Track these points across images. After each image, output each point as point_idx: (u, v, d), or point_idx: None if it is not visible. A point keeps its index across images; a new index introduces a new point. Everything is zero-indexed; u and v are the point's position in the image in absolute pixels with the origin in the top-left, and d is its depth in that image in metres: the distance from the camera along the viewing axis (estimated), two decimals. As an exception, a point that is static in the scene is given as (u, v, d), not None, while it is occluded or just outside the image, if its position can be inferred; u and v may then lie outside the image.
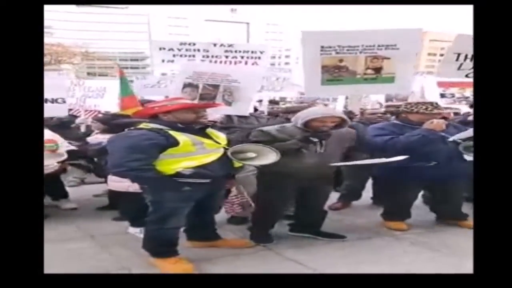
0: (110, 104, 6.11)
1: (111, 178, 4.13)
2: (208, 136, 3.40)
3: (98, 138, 4.00)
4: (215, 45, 6.01)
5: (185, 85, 5.16)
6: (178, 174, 3.19)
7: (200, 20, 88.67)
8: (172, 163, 3.20)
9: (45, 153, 4.52)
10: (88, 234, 4.28)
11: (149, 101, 7.03)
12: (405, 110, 4.33)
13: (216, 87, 5.23)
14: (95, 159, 3.85)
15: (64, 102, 4.66)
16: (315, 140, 3.69)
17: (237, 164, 3.49)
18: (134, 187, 3.71)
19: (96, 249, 3.93)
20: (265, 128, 3.84)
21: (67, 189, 5.42)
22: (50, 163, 4.75)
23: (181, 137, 3.21)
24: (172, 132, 3.21)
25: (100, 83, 6.96)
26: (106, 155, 3.52)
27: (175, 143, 3.17)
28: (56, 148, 4.78)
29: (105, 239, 4.12)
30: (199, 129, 3.37)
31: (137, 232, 4.11)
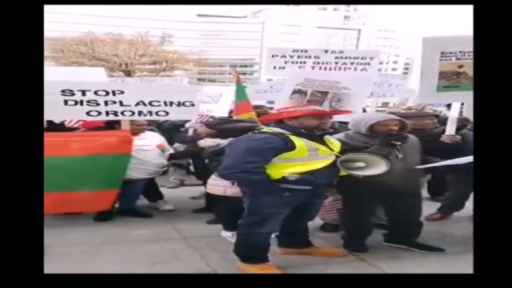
0: (223, 109, 6.22)
1: (210, 181, 4.19)
2: (324, 143, 3.40)
3: (207, 141, 4.11)
4: (326, 51, 5.95)
5: (294, 92, 5.17)
6: (284, 179, 3.22)
7: (312, 27, 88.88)
8: (282, 167, 3.24)
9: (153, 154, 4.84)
10: (182, 236, 4.40)
11: (257, 107, 7.19)
12: None
13: (324, 93, 5.21)
14: (206, 161, 3.96)
15: (192, 105, 4.79)
16: (398, 143, 3.66)
17: (342, 172, 3.44)
18: (231, 191, 3.77)
19: (188, 250, 4.01)
20: (335, 136, 3.79)
21: (167, 190, 5.65)
22: (159, 168, 5.01)
23: (299, 142, 3.24)
24: (292, 137, 3.25)
25: (218, 89, 7.11)
26: (218, 158, 3.62)
27: (292, 147, 3.21)
28: (164, 153, 5.04)
29: (197, 241, 4.20)
30: (318, 135, 3.38)
31: (229, 236, 4.16)
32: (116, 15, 67.16)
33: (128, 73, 40.94)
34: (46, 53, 57.41)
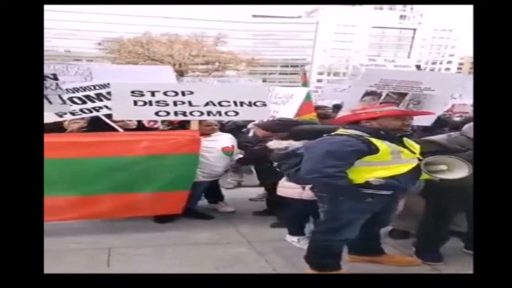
0: (290, 111, 5.92)
1: (283, 184, 4.04)
2: (404, 145, 3.21)
3: (277, 143, 3.88)
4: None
5: (366, 93, 4.83)
6: (367, 184, 3.07)
7: (367, 26, 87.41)
8: (366, 171, 3.08)
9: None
10: (246, 239, 4.27)
11: (319, 107, 6.88)
12: None
13: (402, 95, 4.85)
14: (274, 164, 3.73)
15: (264, 105, 4.68)
16: None
17: (424, 176, 3.23)
18: (307, 195, 3.66)
19: (253, 254, 3.91)
20: (433, 138, 3.66)
21: (224, 191, 5.52)
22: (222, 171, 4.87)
23: (381, 145, 3.07)
24: (373, 139, 3.08)
25: (289, 90, 6.89)
26: (288, 161, 3.49)
27: (375, 150, 3.05)
28: (231, 156, 4.89)
29: (261, 245, 4.08)
30: (398, 138, 3.20)
31: (295, 241, 4.07)
32: (173, 15, 68.78)
33: (181, 73, 41.79)
34: (102, 53, 60.41)
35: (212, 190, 5.19)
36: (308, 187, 3.64)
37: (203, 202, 5.23)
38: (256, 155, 4.81)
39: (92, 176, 4.19)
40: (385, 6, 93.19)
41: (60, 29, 67.23)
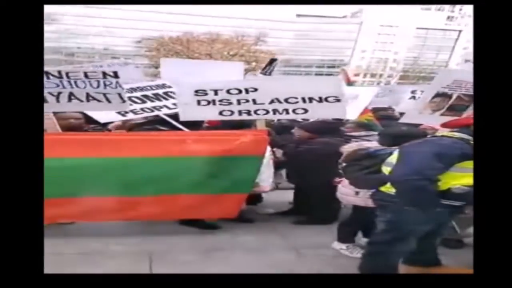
0: (355, 112, 5.64)
1: (344, 190, 3.92)
2: None
3: (363, 145, 3.77)
4: None
5: (437, 95, 4.68)
6: (449, 191, 2.92)
7: (412, 28, 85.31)
8: (455, 177, 2.92)
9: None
10: (291, 246, 4.20)
11: (381, 109, 6.76)
12: None
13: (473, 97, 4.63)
14: (342, 165, 3.69)
15: (338, 100, 4.26)
16: None
17: None
18: (369, 202, 3.51)
19: (302, 264, 3.82)
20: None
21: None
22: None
23: None
24: None
25: (354, 89, 6.65)
26: (361, 161, 3.41)
27: None
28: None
29: (307, 252, 4.03)
30: None
31: (343, 248, 4.01)
32: (215, 14, 69.12)
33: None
34: (141, 51, 61.30)
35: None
36: (365, 193, 3.56)
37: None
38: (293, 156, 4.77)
39: (148, 177, 4.11)
40: (433, 7, 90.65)
41: (98, 26, 68.42)
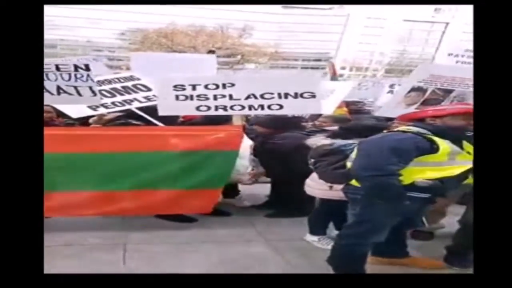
0: (330, 106, 5.69)
1: (311, 183, 3.97)
2: (462, 147, 3.07)
3: (318, 140, 3.83)
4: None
5: (412, 89, 4.72)
6: (412, 185, 2.95)
7: (399, 20, 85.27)
8: (416, 171, 2.96)
9: None
10: (264, 239, 4.25)
11: (352, 103, 6.84)
12: None
13: (447, 91, 4.69)
14: (311, 161, 3.69)
15: (313, 96, 4.27)
16: None
17: (470, 180, 3.06)
18: (336, 195, 3.59)
19: (273, 255, 3.89)
20: None
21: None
22: None
23: (442, 144, 2.96)
24: (435, 138, 2.98)
25: (330, 84, 6.66)
26: (328, 157, 3.43)
27: (435, 150, 2.95)
28: None
29: (280, 244, 4.08)
30: (458, 138, 3.06)
31: (315, 241, 4.08)
32: (199, 6, 68.46)
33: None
34: (125, 44, 60.57)
35: (229, 185, 5.04)
36: (338, 186, 3.58)
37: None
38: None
39: (122, 172, 4.13)
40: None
41: (81, 17, 67.33)
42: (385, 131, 3.38)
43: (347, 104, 6.57)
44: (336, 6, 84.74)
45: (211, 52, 9.49)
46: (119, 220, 4.48)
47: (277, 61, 65.46)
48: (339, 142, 3.55)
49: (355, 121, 4.54)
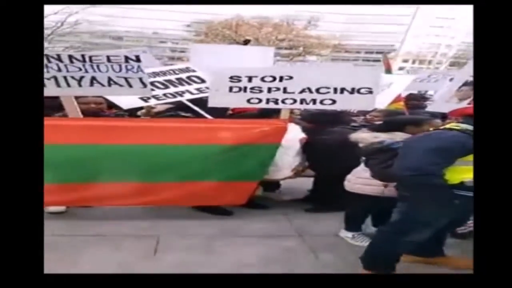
0: (385, 100, 5.56)
1: (352, 178, 3.94)
2: None
3: (376, 136, 3.66)
4: None
5: (465, 83, 4.56)
6: (461, 185, 2.84)
7: (467, 19, 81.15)
8: (463, 171, 2.84)
9: None
10: (298, 233, 4.24)
11: (414, 97, 6.69)
12: None
13: None
14: (362, 158, 3.74)
15: (370, 92, 4.21)
16: None
17: None
18: (390, 192, 3.50)
19: (303, 249, 3.88)
20: None
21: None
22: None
23: None
24: None
25: (388, 77, 6.45)
26: (379, 155, 3.42)
27: None
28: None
29: (313, 240, 4.05)
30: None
31: (349, 237, 4.05)
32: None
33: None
34: (189, 36, 61.41)
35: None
36: (377, 183, 3.54)
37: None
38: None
39: (163, 163, 4.19)
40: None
41: (148, 9, 68.82)
42: (431, 128, 3.28)
43: (409, 98, 6.34)
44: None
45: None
46: (153, 210, 4.60)
47: (339, 53, 64.17)
48: (388, 140, 3.48)
49: (394, 116, 4.39)
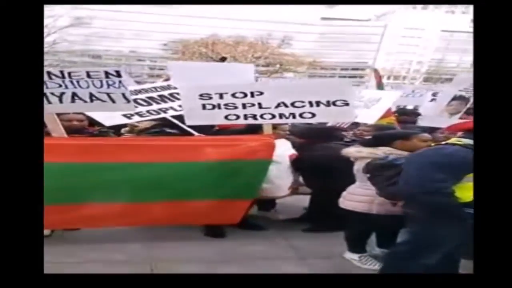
0: (373, 116, 5.46)
1: (349, 196, 3.82)
2: None
3: (378, 151, 3.57)
4: None
5: (454, 98, 4.49)
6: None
7: (437, 30, 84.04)
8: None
9: None
10: (299, 256, 4.08)
11: (405, 112, 6.67)
12: None
13: None
14: (367, 175, 3.54)
15: (346, 104, 4.07)
16: None
17: None
18: (378, 209, 3.47)
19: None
20: None
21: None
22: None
23: None
24: None
25: (377, 93, 6.43)
26: (384, 172, 3.25)
27: None
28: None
29: (316, 262, 3.88)
30: None
31: (355, 259, 3.87)
32: (241, 17, 69.55)
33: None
34: (166, 54, 62.43)
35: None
36: (378, 200, 3.40)
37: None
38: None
39: (150, 182, 4.00)
40: (458, 10, 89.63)
41: (127, 29, 69.64)
42: (432, 144, 3.18)
43: (400, 113, 6.33)
44: (373, 18, 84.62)
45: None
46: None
47: (315, 70, 65.77)
48: (391, 156, 3.37)
49: (381, 130, 4.34)
